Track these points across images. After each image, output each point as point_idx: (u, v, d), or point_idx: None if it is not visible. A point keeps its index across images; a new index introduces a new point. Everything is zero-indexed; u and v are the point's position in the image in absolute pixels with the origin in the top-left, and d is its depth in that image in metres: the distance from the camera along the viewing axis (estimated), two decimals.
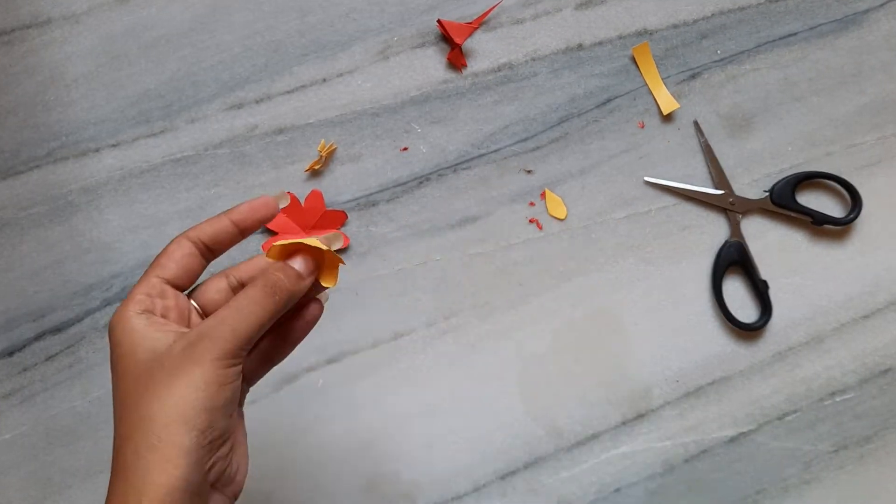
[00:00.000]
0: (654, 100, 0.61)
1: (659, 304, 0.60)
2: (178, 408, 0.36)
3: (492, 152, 0.60)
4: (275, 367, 0.44)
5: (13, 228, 0.59)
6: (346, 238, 0.60)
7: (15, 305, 0.59)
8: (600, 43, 0.61)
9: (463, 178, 0.60)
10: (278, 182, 0.60)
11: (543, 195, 0.60)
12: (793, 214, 0.59)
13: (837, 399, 0.59)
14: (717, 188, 0.60)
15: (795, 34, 0.61)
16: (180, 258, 0.40)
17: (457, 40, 0.59)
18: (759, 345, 0.60)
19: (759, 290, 0.59)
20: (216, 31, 0.60)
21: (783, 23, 0.61)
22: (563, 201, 0.60)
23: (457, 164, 0.60)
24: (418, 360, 0.59)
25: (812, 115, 0.61)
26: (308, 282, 0.40)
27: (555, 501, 0.58)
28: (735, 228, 0.59)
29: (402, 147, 0.60)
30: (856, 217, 0.59)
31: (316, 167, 0.60)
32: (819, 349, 0.60)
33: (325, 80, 0.60)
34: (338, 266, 0.41)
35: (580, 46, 0.61)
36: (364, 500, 0.58)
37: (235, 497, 0.39)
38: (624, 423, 0.59)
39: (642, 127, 0.61)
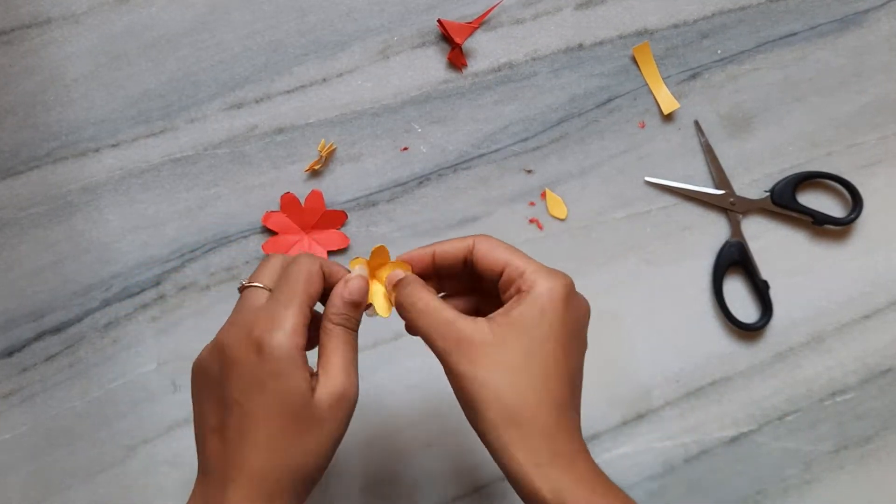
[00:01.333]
0: (655, 100, 0.60)
1: (659, 305, 0.60)
2: (282, 463, 0.37)
3: (492, 152, 0.60)
4: None
5: (13, 228, 0.59)
6: (347, 238, 0.60)
7: (14, 305, 0.59)
8: (601, 43, 0.61)
9: (463, 178, 0.60)
10: (279, 182, 0.60)
11: (544, 195, 0.60)
12: (794, 214, 0.59)
13: (838, 399, 0.59)
14: (717, 188, 0.60)
15: (796, 34, 0.61)
16: (317, 283, 0.40)
17: (457, 40, 0.59)
18: (759, 345, 0.60)
19: (760, 291, 0.59)
20: (216, 31, 0.60)
21: (784, 22, 0.61)
22: (563, 201, 0.60)
23: (457, 164, 0.60)
24: (418, 360, 0.59)
25: (813, 114, 0.61)
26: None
27: None
28: (735, 228, 0.59)
29: (403, 147, 0.60)
30: (857, 217, 0.59)
31: (316, 167, 0.60)
32: (820, 349, 0.60)
33: (325, 79, 0.60)
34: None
35: (580, 46, 0.61)
36: (363, 501, 0.58)
37: None
38: (624, 424, 0.59)
39: (643, 127, 0.61)
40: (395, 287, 0.42)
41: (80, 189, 0.59)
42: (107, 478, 0.58)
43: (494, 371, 0.38)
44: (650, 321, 0.60)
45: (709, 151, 0.59)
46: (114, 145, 0.60)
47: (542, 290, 0.39)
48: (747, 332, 0.59)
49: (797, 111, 0.61)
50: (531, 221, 0.60)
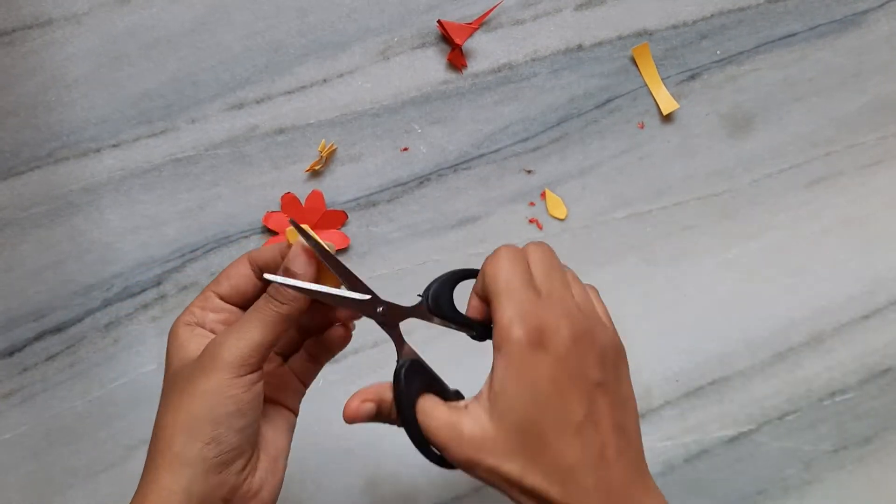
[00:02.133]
0: (654, 100, 0.61)
1: (659, 304, 0.60)
2: (183, 418, 0.37)
3: (492, 152, 0.60)
4: None
5: (14, 228, 0.59)
6: (347, 238, 0.60)
7: (15, 305, 0.59)
8: (600, 43, 0.61)
9: (463, 179, 0.60)
10: (279, 182, 0.60)
11: (543, 195, 0.60)
12: (454, 327, 0.43)
13: (838, 399, 0.59)
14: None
15: (795, 34, 0.61)
16: (236, 277, 0.41)
17: (457, 41, 0.59)
18: (759, 345, 0.60)
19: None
20: (217, 32, 0.60)
21: (783, 23, 0.61)
22: (563, 201, 0.60)
23: (457, 165, 0.60)
24: None
25: (812, 115, 0.61)
26: (304, 286, 0.39)
27: None
28: (399, 343, 0.42)
29: (403, 147, 0.60)
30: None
31: (316, 167, 0.60)
32: (819, 349, 0.60)
33: (325, 80, 0.60)
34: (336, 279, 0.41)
35: (580, 47, 0.61)
36: (364, 500, 0.58)
37: None
38: None
39: (642, 127, 0.61)
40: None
41: (82, 189, 0.60)
42: (107, 478, 0.59)
43: (506, 463, 0.36)
44: (650, 321, 0.60)
45: (328, 258, 0.41)
46: (115, 145, 0.60)
47: (508, 347, 0.36)
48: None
49: (797, 111, 0.61)
50: (531, 221, 0.60)
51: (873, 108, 0.61)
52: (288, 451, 0.42)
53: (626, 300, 0.60)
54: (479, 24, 0.60)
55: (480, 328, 0.42)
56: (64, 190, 0.59)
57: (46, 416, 0.59)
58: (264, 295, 0.39)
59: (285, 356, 0.45)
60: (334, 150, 0.60)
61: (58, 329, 0.59)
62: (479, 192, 0.60)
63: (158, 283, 0.59)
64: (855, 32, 0.61)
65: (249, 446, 0.38)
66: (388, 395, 0.40)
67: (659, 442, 0.59)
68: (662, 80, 0.61)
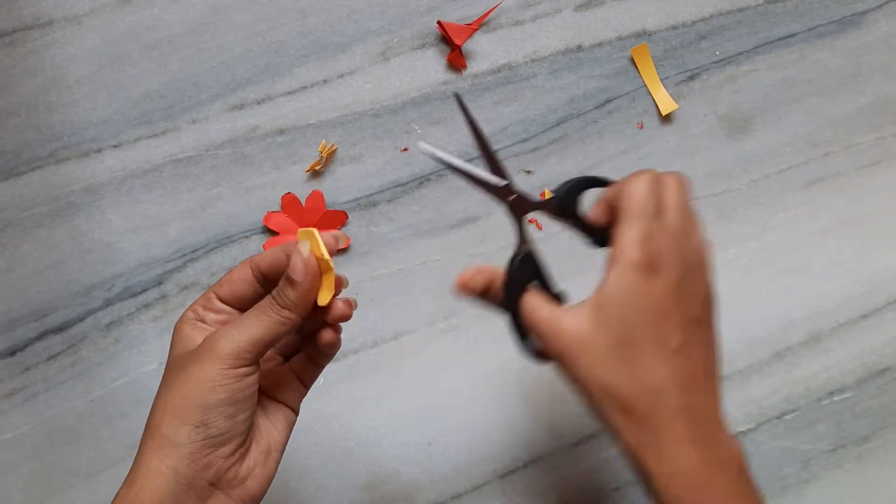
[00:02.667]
0: (653, 101, 0.61)
1: None
2: (174, 401, 0.38)
3: None
4: None
5: (15, 229, 0.60)
6: (348, 238, 0.60)
7: (17, 305, 0.59)
8: (599, 44, 0.61)
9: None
10: (280, 182, 0.60)
11: (543, 195, 0.61)
12: (574, 228, 0.45)
13: (836, 398, 0.60)
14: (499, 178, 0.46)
15: (794, 35, 0.61)
16: (236, 281, 0.43)
17: (457, 41, 0.59)
18: (757, 344, 0.60)
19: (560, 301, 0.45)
20: (217, 33, 0.60)
21: (782, 24, 0.61)
22: None
23: None
24: (418, 360, 0.59)
25: (811, 115, 0.61)
26: (304, 289, 0.40)
27: (554, 501, 0.58)
28: (523, 233, 0.45)
29: (403, 148, 0.61)
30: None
31: (317, 168, 0.60)
32: (817, 349, 0.60)
33: (325, 80, 0.60)
34: (333, 286, 0.41)
35: (579, 48, 0.61)
36: (364, 499, 0.59)
37: (246, 502, 0.40)
38: None
39: (641, 128, 0.61)
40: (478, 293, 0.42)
41: (83, 189, 0.60)
42: (109, 477, 0.59)
43: (598, 366, 0.38)
44: None
45: (478, 138, 0.46)
46: (116, 146, 0.60)
47: (624, 264, 0.38)
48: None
49: (795, 112, 0.61)
50: (530, 221, 0.60)
51: (872, 108, 0.61)
52: (283, 447, 0.43)
53: None
54: (479, 24, 0.60)
55: (600, 235, 0.44)
56: (65, 190, 0.60)
57: (48, 416, 0.59)
58: (269, 296, 0.40)
59: (286, 356, 0.46)
60: (335, 150, 0.60)
61: (59, 329, 0.59)
62: (479, 193, 0.60)
63: (160, 283, 0.60)
64: (854, 33, 0.61)
65: (239, 434, 0.40)
66: (500, 279, 0.42)
67: None
68: (661, 80, 0.61)
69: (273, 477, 0.42)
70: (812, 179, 0.61)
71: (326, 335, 0.43)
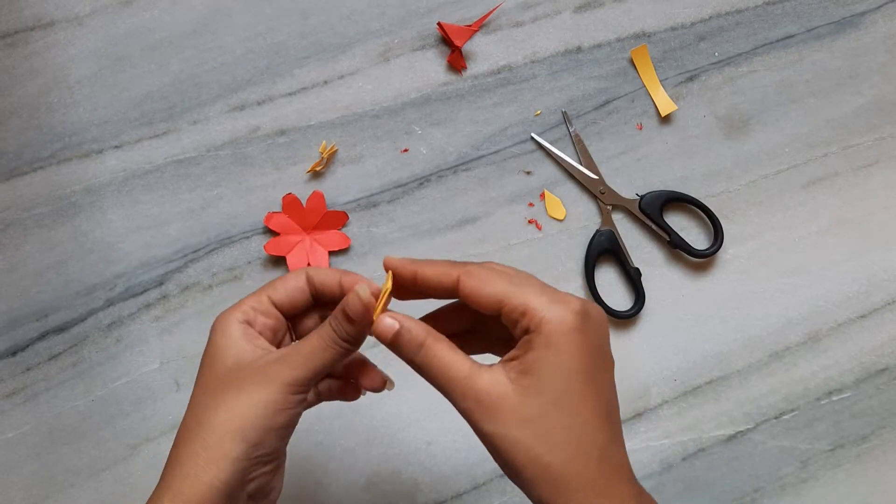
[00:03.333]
0: (653, 102, 0.61)
1: (657, 304, 0.60)
2: (238, 420, 0.39)
3: (491, 154, 0.61)
4: None
5: (17, 229, 0.60)
6: (348, 238, 0.60)
7: (18, 305, 0.59)
8: (599, 45, 0.61)
9: (463, 180, 0.61)
10: (280, 183, 0.60)
11: (542, 196, 0.61)
12: (653, 226, 0.60)
13: (834, 398, 0.60)
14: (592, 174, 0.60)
15: (792, 36, 0.62)
16: (292, 288, 0.43)
17: (457, 43, 0.59)
18: (756, 344, 0.60)
19: (632, 278, 0.59)
20: (218, 34, 0.60)
21: (780, 25, 0.61)
22: (561, 202, 0.61)
23: (456, 166, 0.61)
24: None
25: (809, 116, 0.61)
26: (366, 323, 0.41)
27: None
28: (606, 217, 0.60)
29: (403, 148, 0.61)
30: (713, 252, 0.59)
31: (317, 168, 0.60)
32: (816, 349, 0.60)
33: (326, 81, 0.61)
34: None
35: (579, 49, 0.61)
36: (364, 499, 0.59)
37: None
38: (622, 422, 0.59)
39: (640, 129, 0.61)
40: (394, 342, 0.40)
41: (84, 190, 0.60)
42: (110, 476, 0.59)
43: (521, 428, 0.36)
44: (648, 320, 0.60)
45: (579, 143, 0.60)
46: (117, 146, 0.60)
47: (553, 327, 0.36)
48: (620, 319, 0.59)
49: (794, 113, 0.61)
50: (530, 222, 0.61)
51: (870, 109, 0.61)
52: (285, 460, 0.45)
53: (625, 300, 0.60)
54: (479, 26, 0.60)
55: (675, 236, 0.59)
56: (66, 190, 0.60)
57: (49, 416, 0.59)
58: (328, 325, 0.40)
59: None
60: (335, 151, 0.61)
61: (61, 329, 0.59)
62: (479, 193, 0.61)
63: (161, 283, 0.60)
64: (852, 34, 0.62)
65: (283, 452, 0.42)
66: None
67: (657, 440, 0.59)
68: (661, 81, 0.61)
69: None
70: (810, 180, 0.61)
71: (352, 385, 0.46)
